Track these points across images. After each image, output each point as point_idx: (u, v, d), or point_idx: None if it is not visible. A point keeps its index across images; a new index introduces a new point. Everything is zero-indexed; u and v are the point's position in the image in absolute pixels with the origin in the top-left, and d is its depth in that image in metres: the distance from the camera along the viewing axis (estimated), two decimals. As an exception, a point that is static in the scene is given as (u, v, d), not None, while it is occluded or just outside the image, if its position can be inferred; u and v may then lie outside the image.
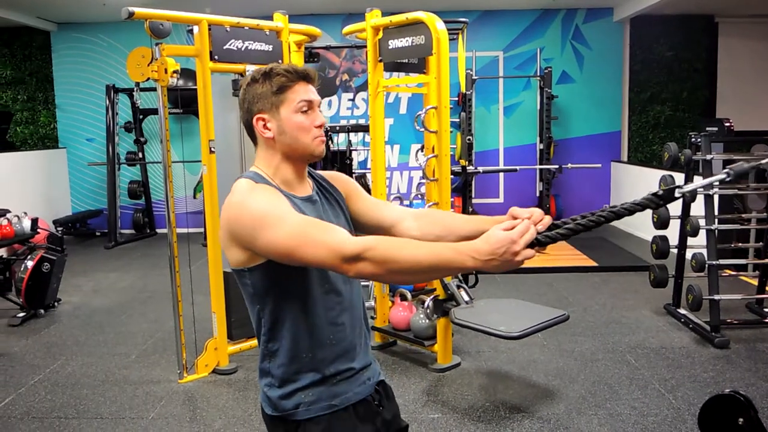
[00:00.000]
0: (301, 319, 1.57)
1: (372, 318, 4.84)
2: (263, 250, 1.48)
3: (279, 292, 1.55)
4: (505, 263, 1.33)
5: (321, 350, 1.60)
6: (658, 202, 1.37)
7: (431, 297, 4.19)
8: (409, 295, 4.64)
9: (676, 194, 1.36)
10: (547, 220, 1.44)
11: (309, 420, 1.59)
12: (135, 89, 8.35)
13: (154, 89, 7.19)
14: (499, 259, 1.32)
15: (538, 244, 1.38)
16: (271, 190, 1.55)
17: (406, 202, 7.13)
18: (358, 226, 1.78)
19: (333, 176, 1.79)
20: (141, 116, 9.22)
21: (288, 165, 1.63)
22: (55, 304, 5.83)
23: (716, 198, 4.85)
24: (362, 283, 5.49)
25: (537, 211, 1.45)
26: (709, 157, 4.79)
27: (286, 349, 1.59)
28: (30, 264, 5.41)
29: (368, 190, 6.52)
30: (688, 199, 4.86)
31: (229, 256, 1.56)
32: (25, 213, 6.34)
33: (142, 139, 9.22)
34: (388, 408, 1.78)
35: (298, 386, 1.60)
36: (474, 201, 8.82)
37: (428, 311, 4.20)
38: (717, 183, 1.41)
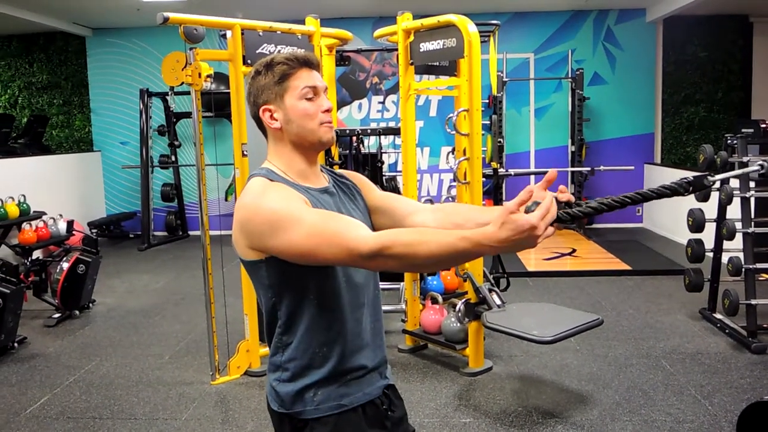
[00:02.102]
0: (318, 312, 1.55)
1: (403, 321, 4.83)
2: (278, 252, 1.46)
3: (298, 284, 1.52)
4: (526, 243, 1.27)
5: (336, 345, 1.57)
6: (687, 188, 1.34)
7: (463, 300, 4.17)
8: (440, 299, 4.63)
9: (706, 182, 1.34)
10: (569, 194, 1.41)
11: (317, 419, 1.57)
12: (169, 93, 8.46)
13: (187, 93, 7.27)
14: (518, 240, 1.26)
15: (559, 221, 1.34)
16: (285, 188, 1.52)
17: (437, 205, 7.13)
18: (375, 218, 1.77)
19: (347, 172, 1.80)
20: (174, 120, 9.32)
21: (299, 155, 1.62)
22: (90, 305, 5.91)
23: (753, 200, 4.76)
24: (392, 287, 5.50)
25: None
26: (745, 159, 4.70)
27: (300, 342, 1.57)
28: (65, 266, 5.49)
29: (399, 193, 6.52)
30: (724, 201, 4.78)
31: (241, 251, 1.55)
32: (61, 215, 6.47)
33: (175, 143, 9.31)
34: (397, 411, 1.74)
35: (308, 382, 1.57)
36: (505, 203, 8.76)
37: (460, 315, 4.19)
38: (751, 174, 1.38)
